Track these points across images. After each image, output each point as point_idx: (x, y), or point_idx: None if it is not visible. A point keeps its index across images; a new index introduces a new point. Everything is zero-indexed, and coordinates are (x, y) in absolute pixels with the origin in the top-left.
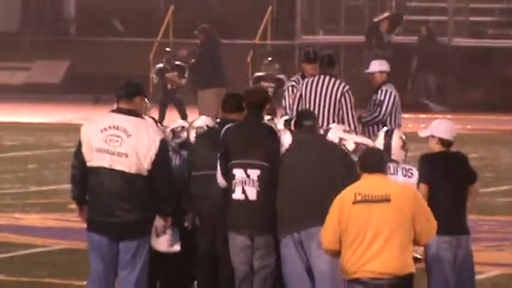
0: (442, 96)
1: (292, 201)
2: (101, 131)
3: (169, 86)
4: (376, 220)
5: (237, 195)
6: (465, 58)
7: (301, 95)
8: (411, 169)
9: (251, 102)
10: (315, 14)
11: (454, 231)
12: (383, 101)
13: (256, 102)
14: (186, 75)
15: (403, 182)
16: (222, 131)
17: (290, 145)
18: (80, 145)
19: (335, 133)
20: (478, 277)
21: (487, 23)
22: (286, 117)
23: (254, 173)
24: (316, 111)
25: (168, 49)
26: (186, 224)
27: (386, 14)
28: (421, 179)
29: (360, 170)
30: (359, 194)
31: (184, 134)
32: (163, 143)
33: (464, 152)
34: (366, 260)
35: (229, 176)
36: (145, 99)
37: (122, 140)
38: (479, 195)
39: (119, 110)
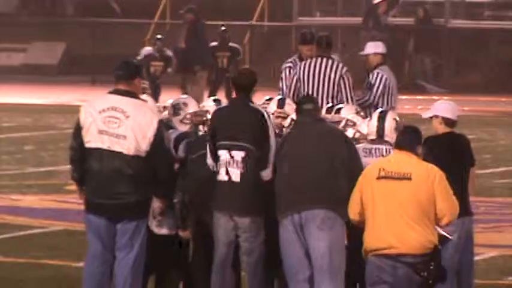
0: (438, 78)
1: (292, 183)
2: (99, 112)
3: (152, 70)
4: (396, 197)
5: (221, 176)
6: (462, 40)
7: (298, 78)
8: None
9: (238, 84)
10: None
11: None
12: (373, 85)
13: (243, 84)
14: (172, 66)
15: None
16: (211, 113)
17: (290, 128)
18: (78, 126)
19: (346, 112)
20: (474, 258)
21: (483, 4)
22: (279, 97)
23: (238, 155)
24: (314, 94)
25: (159, 36)
26: (175, 201)
27: None
28: (426, 161)
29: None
30: (383, 169)
31: (184, 111)
32: (161, 124)
33: (465, 135)
34: (387, 236)
35: (215, 157)
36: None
37: (120, 122)
38: (477, 177)
39: (117, 91)
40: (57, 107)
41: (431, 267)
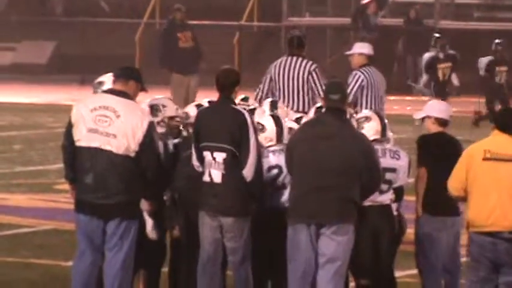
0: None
1: (308, 190)
2: (91, 110)
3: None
4: (504, 178)
5: (205, 177)
6: (451, 41)
7: (271, 77)
8: (398, 151)
9: (222, 84)
10: None
11: (448, 212)
12: (349, 85)
13: (226, 84)
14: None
15: (392, 164)
16: (193, 113)
17: (307, 126)
18: (70, 124)
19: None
20: (463, 259)
21: (472, 5)
22: (271, 99)
23: (220, 156)
24: (286, 92)
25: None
26: (165, 198)
27: None
28: (421, 163)
29: (495, 126)
30: (488, 151)
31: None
32: (152, 126)
33: (456, 137)
34: (491, 215)
35: (201, 158)
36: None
37: (110, 121)
38: None
39: (111, 91)
40: (46, 106)
41: None
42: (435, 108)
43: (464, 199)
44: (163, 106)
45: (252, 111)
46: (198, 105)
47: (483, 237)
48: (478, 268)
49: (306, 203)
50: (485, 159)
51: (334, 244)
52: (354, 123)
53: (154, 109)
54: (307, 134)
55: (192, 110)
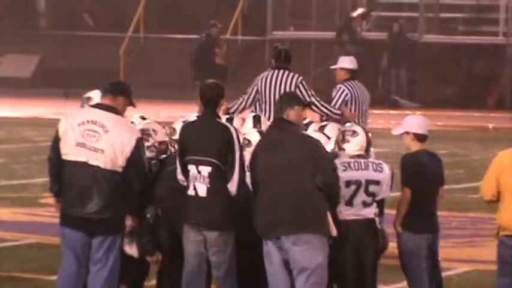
0: (412, 93)
1: (266, 204)
2: (79, 124)
3: None
4: None
5: (190, 191)
6: (435, 54)
7: (257, 89)
8: (381, 163)
9: (205, 98)
10: (286, 9)
11: (430, 229)
12: (332, 99)
13: (210, 97)
14: None
15: (375, 177)
16: (180, 128)
17: (262, 141)
18: (56, 137)
19: (330, 131)
20: (447, 273)
21: (457, 19)
22: (253, 114)
23: (205, 170)
24: (272, 105)
25: None
26: (148, 216)
27: (361, 11)
28: (405, 183)
29: None
30: None
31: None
32: (140, 142)
33: (436, 153)
34: None
35: (186, 172)
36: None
37: (99, 135)
38: (451, 192)
39: (99, 105)
40: (30, 120)
41: None
42: (413, 124)
43: (496, 201)
44: (154, 131)
45: (230, 120)
46: (185, 121)
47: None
48: (509, 270)
49: (265, 217)
50: None
51: (298, 254)
52: (339, 136)
53: (145, 134)
54: (260, 148)
55: (179, 126)
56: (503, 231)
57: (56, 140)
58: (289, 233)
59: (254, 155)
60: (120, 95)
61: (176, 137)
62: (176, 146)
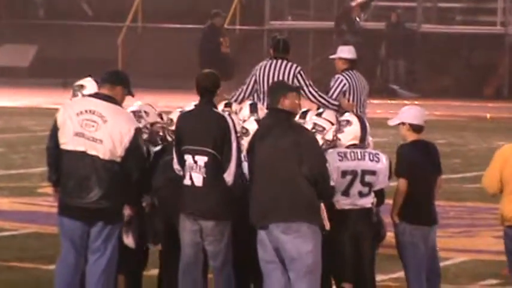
0: (411, 82)
1: (256, 194)
2: (77, 114)
3: None
4: None
5: (186, 180)
6: (434, 44)
7: (256, 79)
8: (377, 153)
9: (202, 87)
10: None
11: (427, 221)
12: (331, 88)
13: (207, 87)
14: None
15: (371, 167)
16: (176, 117)
17: (257, 131)
18: (55, 127)
19: (328, 117)
20: (444, 263)
21: (455, 9)
22: (250, 102)
23: (201, 160)
24: None
25: None
26: (144, 204)
27: (360, 0)
28: (401, 174)
29: None
30: None
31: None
32: (139, 131)
33: (434, 142)
34: None
35: (182, 162)
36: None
37: (97, 125)
38: (448, 182)
39: (98, 95)
40: (28, 110)
41: None
42: (409, 114)
43: (500, 193)
44: (146, 112)
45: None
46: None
47: None
48: None
49: (256, 206)
50: None
51: (288, 243)
52: (336, 126)
53: (136, 115)
54: (254, 139)
55: (176, 116)
56: (508, 222)
57: (55, 130)
58: (277, 221)
59: (251, 144)
60: (119, 84)
61: (173, 127)
62: (173, 136)
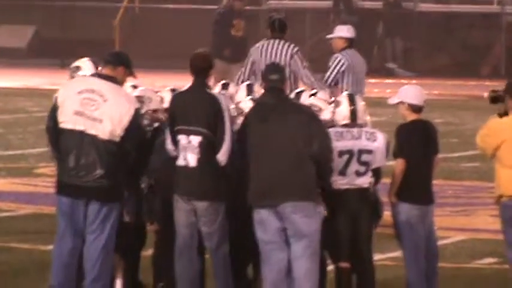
0: (408, 62)
1: (261, 175)
2: (78, 93)
3: None
4: None
5: (180, 161)
6: (431, 23)
7: (253, 60)
8: (374, 132)
9: (196, 67)
10: None
11: (425, 200)
12: (329, 67)
13: (200, 67)
14: None
15: (367, 146)
16: (169, 97)
17: (254, 110)
18: (55, 106)
19: (321, 97)
20: (442, 242)
21: None
22: (247, 83)
23: (195, 140)
24: None
25: None
26: (142, 185)
27: None
28: (399, 154)
29: None
30: None
31: None
32: (138, 112)
33: (432, 121)
34: None
35: (176, 142)
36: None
37: (97, 104)
38: (445, 161)
39: (98, 75)
40: (26, 90)
41: None
42: (408, 94)
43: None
44: (149, 98)
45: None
46: (173, 90)
47: None
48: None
49: (261, 185)
50: None
51: (297, 221)
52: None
53: (139, 101)
54: (252, 118)
55: (167, 95)
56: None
57: (54, 109)
58: (287, 200)
59: (245, 123)
60: (120, 65)
61: (165, 105)
62: (165, 115)
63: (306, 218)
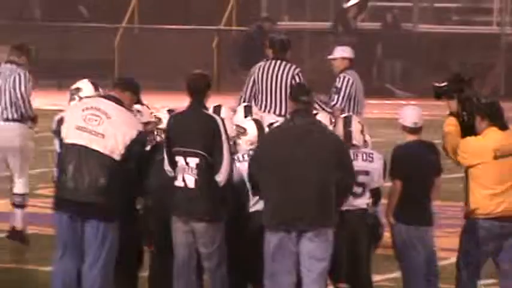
0: (407, 82)
1: (284, 197)
2: (83, 110)
3: None
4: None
5: (178, 182)
6: (430, 44)
7: (254, 80)
8: (371, 153)
9: (193, 88)
10: None
11: (423, 221)
12: (340, 88)
13: (198, 89)
14: None
15: (364, 167)
16: (166, 118)
17: (280, 133)
18: (58, 131)
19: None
20: (441, 263)
21: (451, 9)
22: (245, 104)
23: (193, 161)
24: (268, 95)
25: None
26: (138, 207)
27: (355, 1)
28: (395, 175)
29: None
30: (498, 150)
31: None
32: (142, 135)
33: (435, 143)
34: (502, 203)
35: (173, 163)
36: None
37: (100, 120)
38: (445, 182)
39: (107, 96)
40: None
41: None
42: (402, 115)
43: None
44: (139, 112)
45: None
46: (170, 111)
47: (491, 222)
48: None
49: (284, 210)
50: (496, 158)
51: (315, 247)
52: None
53: None
54: (277, 139)
55: (164, 116)
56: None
57: (58, 133)
58: (309, 226)
59: (265, 144)
60: (128, 90)
61: (161, 126)
62: (163, 135)
63: (325, 243)
